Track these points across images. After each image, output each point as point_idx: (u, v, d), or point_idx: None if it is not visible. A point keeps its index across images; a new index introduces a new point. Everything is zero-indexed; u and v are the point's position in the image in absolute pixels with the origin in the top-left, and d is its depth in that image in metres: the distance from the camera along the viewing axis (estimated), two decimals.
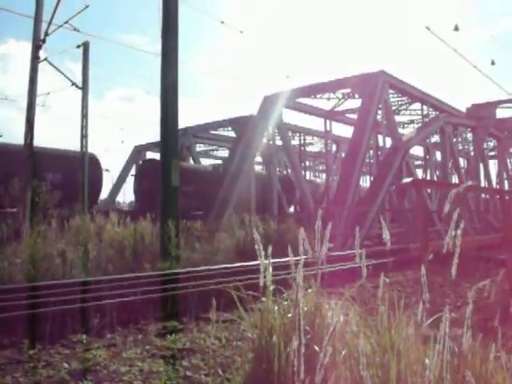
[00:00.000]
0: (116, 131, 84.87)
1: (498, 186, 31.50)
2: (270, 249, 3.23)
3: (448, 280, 2.86)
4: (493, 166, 33.34)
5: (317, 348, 2.46)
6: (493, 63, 25.50)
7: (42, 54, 16.92)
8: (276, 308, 3.18)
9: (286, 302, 3.33)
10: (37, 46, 16.66)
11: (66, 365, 4.71)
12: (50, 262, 8.76)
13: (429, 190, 21.18)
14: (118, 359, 4.94)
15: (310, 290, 3.32)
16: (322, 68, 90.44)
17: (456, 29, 20.62)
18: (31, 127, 16.10)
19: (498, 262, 7.88)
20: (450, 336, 2.55)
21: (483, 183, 29.17)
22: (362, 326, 3.02)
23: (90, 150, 19.86)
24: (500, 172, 33.43)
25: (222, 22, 20.77)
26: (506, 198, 10.49)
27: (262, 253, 3.16)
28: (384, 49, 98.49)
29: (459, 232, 2.71)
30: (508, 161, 35.03)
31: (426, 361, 2.25)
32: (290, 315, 3.08)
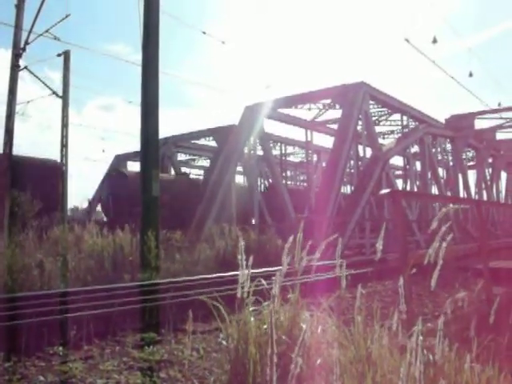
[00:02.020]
0: (96, 140, 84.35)
1: (476, 196, 31.85)
2: (250, 260, 3.22)
3: (426, 290, 2.88)
4: (471, 176, 33.72)
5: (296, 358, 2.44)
6: (470, 75, 26.01)
7: (21, 62, 16.87)
8: (252, 319, 3.16)
9: (264, 312, 3.32)
10: (16, 54, 16.59)
11: (41, 378, 4.64)
12: (28, 272, 8.65)
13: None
14: (95, 372, 4.87)
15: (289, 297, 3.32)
16: (303, 78, 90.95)
17: (434, 41, 20.96)
18: (10, 137, 15.99)
19: (475, 271, 7.95)
20: (426, 346, 2.56)
21: (462, 193, 29.50)
22: (339, 337, 3.02)
23: (70, 158, 19.75)
24: (478, 182, 33.83)
25: (204, 33, 20.75)
26: (483, 208, 10.60)
27: (243, 263, 3.16)
28: (364, 60, 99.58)
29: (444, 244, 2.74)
30: (486, 171, 35.46)
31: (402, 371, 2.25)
32: (265, 326, 3.07)
